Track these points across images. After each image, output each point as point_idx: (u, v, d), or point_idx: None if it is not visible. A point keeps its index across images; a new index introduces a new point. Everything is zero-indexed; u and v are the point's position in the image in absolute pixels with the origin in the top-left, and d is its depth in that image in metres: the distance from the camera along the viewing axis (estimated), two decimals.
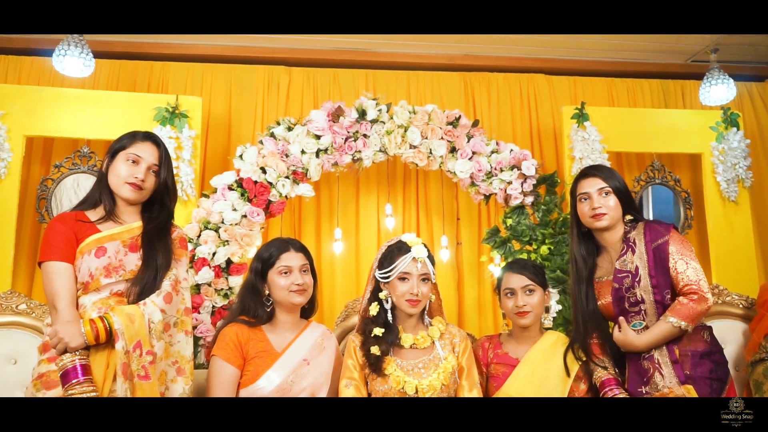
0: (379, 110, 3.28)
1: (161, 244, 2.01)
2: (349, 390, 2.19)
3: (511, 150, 3.38)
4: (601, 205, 2.26)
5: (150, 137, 2.07)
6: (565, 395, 2.27)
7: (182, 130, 3.26)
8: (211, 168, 3.52)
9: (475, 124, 3.43)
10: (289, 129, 3.23)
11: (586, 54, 3.99)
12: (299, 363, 2.16)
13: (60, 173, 3.25)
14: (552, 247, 3.26)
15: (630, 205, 2.31)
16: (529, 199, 3.35)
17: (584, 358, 2.29)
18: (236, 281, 3.05)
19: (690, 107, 4.03)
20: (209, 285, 3.03)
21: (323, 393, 2.19)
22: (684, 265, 2.17)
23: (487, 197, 3.43)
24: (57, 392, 1.78)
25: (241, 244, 3.08)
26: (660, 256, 2.20)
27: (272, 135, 3.23)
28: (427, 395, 2.14)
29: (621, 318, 2.24)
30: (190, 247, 2.88)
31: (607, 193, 2.27)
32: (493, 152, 3.36)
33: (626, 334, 2.21)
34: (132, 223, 2.01)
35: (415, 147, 3.30)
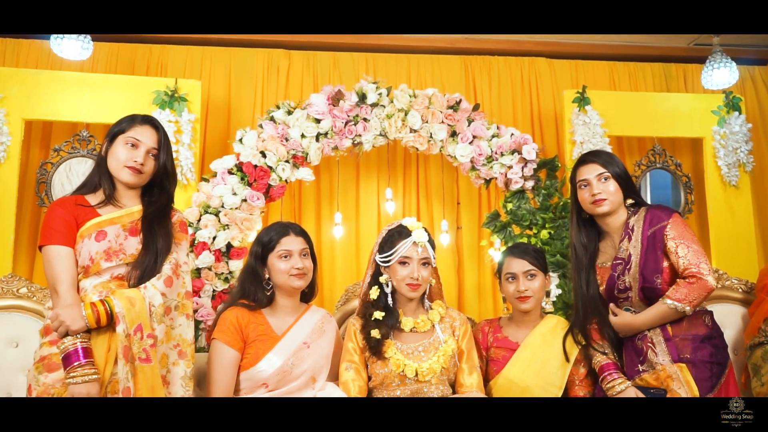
0: (380, 94, 3.26)
1: (161, 228, 2.01)
2: (349, 373, 2.20)
3: (512, 134, 3.36)
4: (600, 191, 2.25)
5: (149, 121, 2.05)
6: (565, 379, 2.29)
7: (181, 113, 3.24)
8: (211, 152, 3.51)
9: (476, 108, 3.42)
10: (289, 113, 3.21)
11: (587, 37, 3.96)
12: (299, 346, 2.17)
13: (59, 157, 3.23)
14: (552, 232, 3.26)
15: (630, 189, 2.31)
16: (530, 184, 3.34)
17: (584, 343, 2.30)
18: (236, 265, 3.06)
19: (692, 91, 4.01)
20: (209, 269, 3.03)
21: (323, 376, 2.21)
22: (685, 249, 2.17)
23: (488, 181, 3.42)
24: (59, 375, 1.79)
25: (241, 228, 3.08)
26: (655, 242, 2.20)
27: (272, 119, 3.22)
28: (427, 378, 2.16)
29: (611, 304, 2.27)
30: (190, 231, 2.88)
31: (606, 179, 2.27)
32: (493, 136, 3.35)
33: (623, 316, 2.23)
34: (132, 207, 2.01)
35: (415, 131, 3.28)
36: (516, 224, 3.32)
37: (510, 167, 3.31)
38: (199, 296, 2.99)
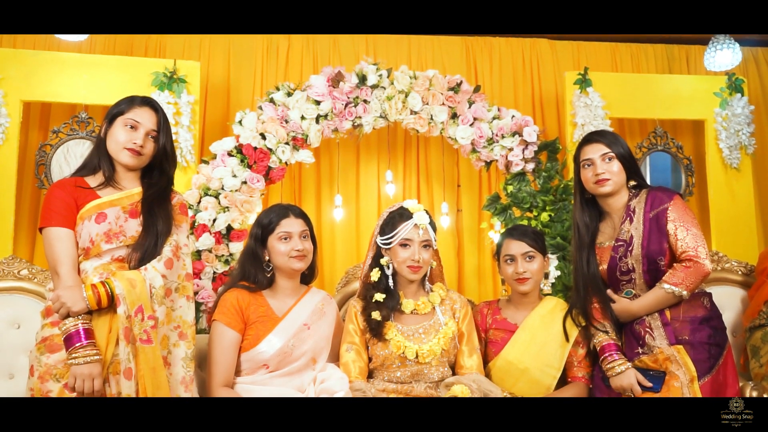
0: (380, 75, 3.24)
1: (161, 210, 2.00)
2: (350, 354, 2.21)
3: (513, 116, 3.35)
4: (604, 171, 2.24)
5: (148, 102, 2.04)
6: (564, 360, 2.30)
7: (180, 95, 3.22)
8: (211, 134, 3.50)
9: (477, 89, 3.40)
10: (289, 95, 3.20)
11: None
12: (300, 327, 2.17)
13: (58, 139, 3.22)
14: (552, 214, 3.26)
15: (634, 170, 2.30)
16: (530, 166, 3.33)
17: (583, 324, 2.31)
18: (237, 247, 3.06)
19: (694, 73, 3.98)
20: (210, 251, 3.04)
21: (324, 357, 2.22)
22: (684, 232, 2.17)
23: (488, 164, 3.41)
24: (61, 355, 1.80)
25: (241, 211, 3.08)
26: (657, 224, 2.20)
27: (272, 101, 3.20)
28: (427, 360, 2.17)
29: (609, 290, 2.27)
30: (190, 213, 2.88)
31: (610, 159, 2.26)
32: (494, 118, 3.33)
33: (621, 302, 2.24)
34: (132, 189, 2.00)
35: (415, 113, 3.27)
36: (516, 207, 3.32)
37: (511, 149, 3.30)
38: (200, 278, 3.00)
